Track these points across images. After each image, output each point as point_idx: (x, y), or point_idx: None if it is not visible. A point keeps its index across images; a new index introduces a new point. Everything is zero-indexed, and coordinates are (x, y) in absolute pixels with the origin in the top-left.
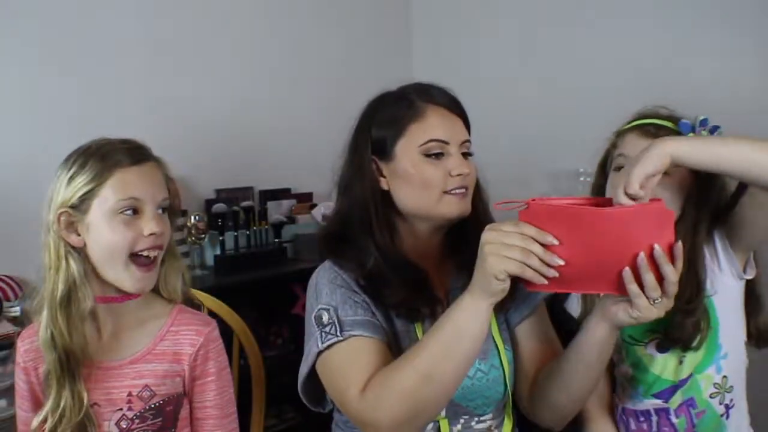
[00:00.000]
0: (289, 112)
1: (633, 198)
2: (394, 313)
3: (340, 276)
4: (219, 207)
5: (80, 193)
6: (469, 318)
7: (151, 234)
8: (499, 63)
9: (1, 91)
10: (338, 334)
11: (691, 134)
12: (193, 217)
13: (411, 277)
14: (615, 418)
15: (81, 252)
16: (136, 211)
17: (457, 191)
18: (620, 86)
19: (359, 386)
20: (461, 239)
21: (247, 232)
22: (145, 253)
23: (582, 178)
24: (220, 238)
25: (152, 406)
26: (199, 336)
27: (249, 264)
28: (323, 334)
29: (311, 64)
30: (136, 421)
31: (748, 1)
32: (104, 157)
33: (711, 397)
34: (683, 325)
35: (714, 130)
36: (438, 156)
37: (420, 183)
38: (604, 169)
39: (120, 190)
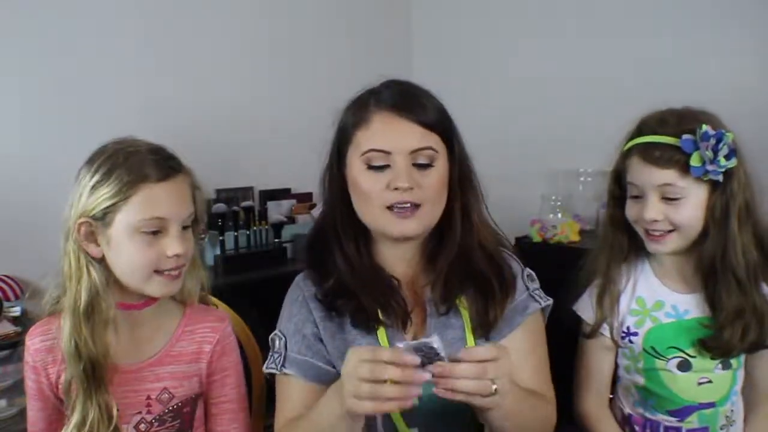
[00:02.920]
0: (290, 113)
1: None
2: (352, 323)
3: (302, 294)
4: (219, 207)
5: (103, 205)
6: (333, 422)
7: (174, 255)
8: (499, 63)
9: (1, 93)
10: (278, 368)
11: (696, 152)
12: None
13: (377, 286)
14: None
15: (101, 261)
16: (159, 231)
17: (398, 207)
18: (621, 86)
19: (279, 425)
20: (442, 248)
21: (247, 232)
22: (168, 273)
23: (582, 178)
24: (220, 238)
25: (171, 408)
26: (215, 333)
27: (249, 264)
28: (271, 358)
29: (311, 64)
30: (155, 424)
31: (748, 0)
32: (131, 169)
33: (721, 428)
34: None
35: (718, 144)
36: (381, 168)
37: (362, 195)
38: (618, 180)
39: (145, 209)
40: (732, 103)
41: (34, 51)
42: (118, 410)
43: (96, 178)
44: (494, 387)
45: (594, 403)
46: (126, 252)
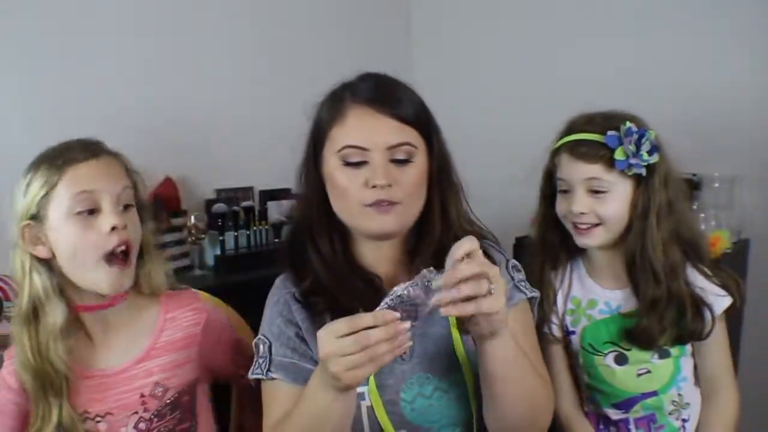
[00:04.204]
0: (290, 112)
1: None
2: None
3: (283, 297)
4: (219, 207)
5: (36, 200)
6: (330, 404)
7: (112, 228)
8: (499, 63)
9: (1, 93)
10: (264, 373)
11: (620, 147)
12: (193, 217)
13: (356, 284)
14: None
15: (51, 263)
16: (93, 210)
17: (378, 205)
18: (620, 86)
19: (267, 428)
20: (421, 244)
21: (247, 232)
22: (115, 252)
23: None
24: (220, 238)
25: (168, 401)
26: (201, 313)
27: (249, 264)
28: (256, 363)
29: (311, 64)
30: (155, 420)
31: (746, 1)
32: (55, 157)
33: (670, 414)
34: (649, 325)
35: (640, 139)
36: (358, 164)
37: (339, 192)
38: (550, 180)
39: (72, 186)
40: (728, 102)
41: (34, 51)
42: (105, 415)
43: (27, 179)
44: (491, 286)
45: (567, 405)
46: (67, 240)
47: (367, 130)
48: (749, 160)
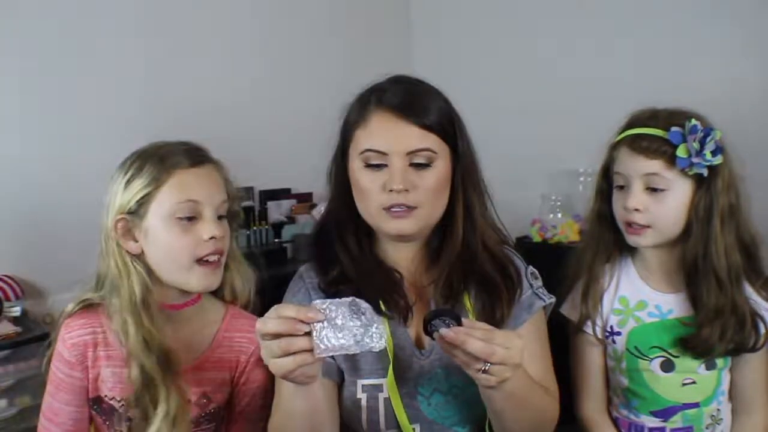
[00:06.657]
0: (290, 112)
1: None
2: None
3: (305, 286)
4: None
5: (138, 197)
6: (291, 398)
7: (211, 238)
8: (499, 63)
9: (1, 93)
10: None
11: (683, 144)
12: None
13: (378, 277)
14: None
15: (140, 258)
16: (194, 217)
17: (395, 209)
18: (621, 86)
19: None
20: (444, 247)
21: (247, 232)
22: (208, 258)
23: (582, 178)
24: None
25: (208, 412)
26: (252, 344)
27: (249, 264)
28: None
29: (311, 64)
30: (192, 426)
31: (747, 0)
32: (162, 158)
33: (706, 428)
34: (709, 335)
35: (705, 138)
36: (379, 167)
37: (360, 193)
38: (606, 175)
39: (178, 192)
40: (731, 103)
41: (34, 51)
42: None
43: (129, 174)
44: (486, 366)
45: (592, 408)
46: (163, 241)
47: (387, 135)
48: (752, 160)
